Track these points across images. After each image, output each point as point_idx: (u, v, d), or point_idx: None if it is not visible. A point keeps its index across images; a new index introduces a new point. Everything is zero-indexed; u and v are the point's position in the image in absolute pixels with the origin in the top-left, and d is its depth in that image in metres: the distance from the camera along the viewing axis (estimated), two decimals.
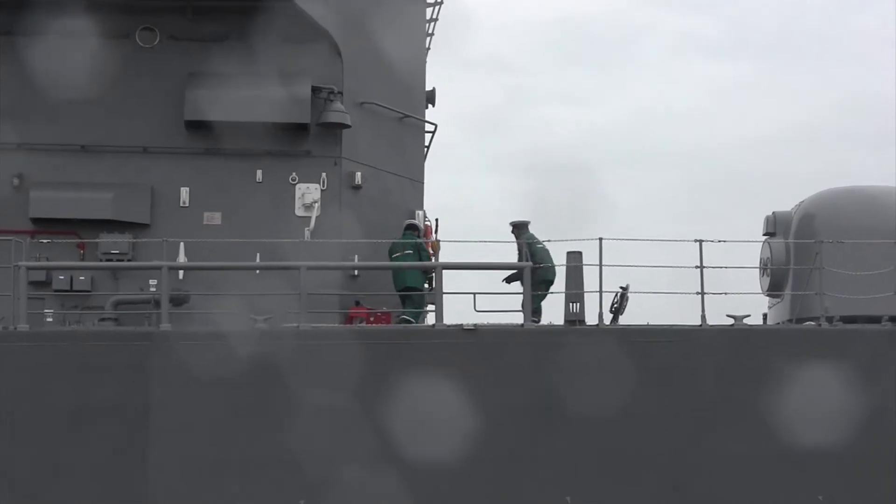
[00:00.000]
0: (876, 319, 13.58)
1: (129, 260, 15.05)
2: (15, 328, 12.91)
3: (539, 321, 14.12)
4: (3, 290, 13.16)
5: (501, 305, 13.98)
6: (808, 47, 46.34)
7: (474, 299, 13.50)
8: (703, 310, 13.37)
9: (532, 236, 14.80)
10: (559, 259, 13.99)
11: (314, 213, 15.44)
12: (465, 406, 12.63)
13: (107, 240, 15.09)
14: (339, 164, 15.73)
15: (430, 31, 18.24)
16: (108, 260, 15.00)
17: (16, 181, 15.29)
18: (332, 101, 15.47)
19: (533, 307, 13.91)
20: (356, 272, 15.47)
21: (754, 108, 46.57)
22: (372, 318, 14.75)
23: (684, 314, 13.65)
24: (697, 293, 13.33)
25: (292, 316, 13.07)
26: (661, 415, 12.91)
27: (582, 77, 47.38)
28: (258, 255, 14.40)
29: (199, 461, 12.66)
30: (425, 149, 17.74)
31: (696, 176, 42.25)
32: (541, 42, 47.63)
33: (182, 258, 14.66)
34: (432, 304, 14.45)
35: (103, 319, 14.14)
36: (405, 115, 16.82)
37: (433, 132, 17.82)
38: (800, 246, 14.70)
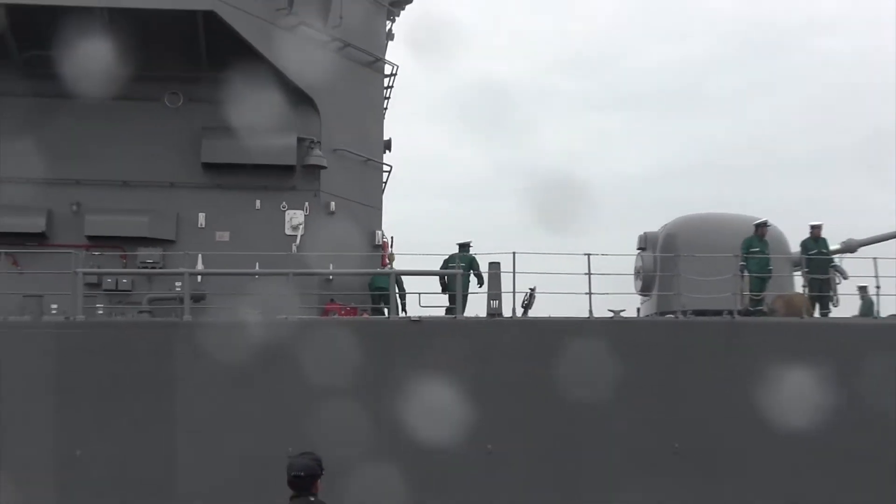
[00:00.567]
0: (719, 313, 14.65)
1: (160, 267, 15.85)
2: (74, 319, 13.96)
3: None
4: (65, 291, 14.23)
5: (441, 303, 15.04)
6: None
7: (419, 298, 14.66)
8: (590, 305, 14.17)
9: (471, 252, 15.86)
10: (484, 268, 15.14)
11: (299, 233, 16.47)
12: (410, 379, 13.36)
13: (143, 252, 16.07)
14: (318, 196, 16.88)
15: (386, 96, 19.45)
16: (144, 267, 15.84)
17: (75, 207, 16.51)
18: (312, 148, 16.79)
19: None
20: (331, 277, 16.21)
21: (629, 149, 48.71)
22: (343, 312, 15.63)
23: (578, 309, 14.36)
24: (586, 293, 14.15)
25: (283, 310, 13.74)
26: (557, 388, 13.36)
27: (499, 131, 50.80)
28: (257, 264, 15.19)
29: (215, 419, 13.47)
30: (383, 184, 18.98)
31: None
32: (463, 105, 51.01)
33: (200, 266, 15.43)
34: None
35: (141, 312, 15.08)
36: (368, 159, 18.12)
37: (389, 171, 19.13)
38: (665, 258, 15.69)
